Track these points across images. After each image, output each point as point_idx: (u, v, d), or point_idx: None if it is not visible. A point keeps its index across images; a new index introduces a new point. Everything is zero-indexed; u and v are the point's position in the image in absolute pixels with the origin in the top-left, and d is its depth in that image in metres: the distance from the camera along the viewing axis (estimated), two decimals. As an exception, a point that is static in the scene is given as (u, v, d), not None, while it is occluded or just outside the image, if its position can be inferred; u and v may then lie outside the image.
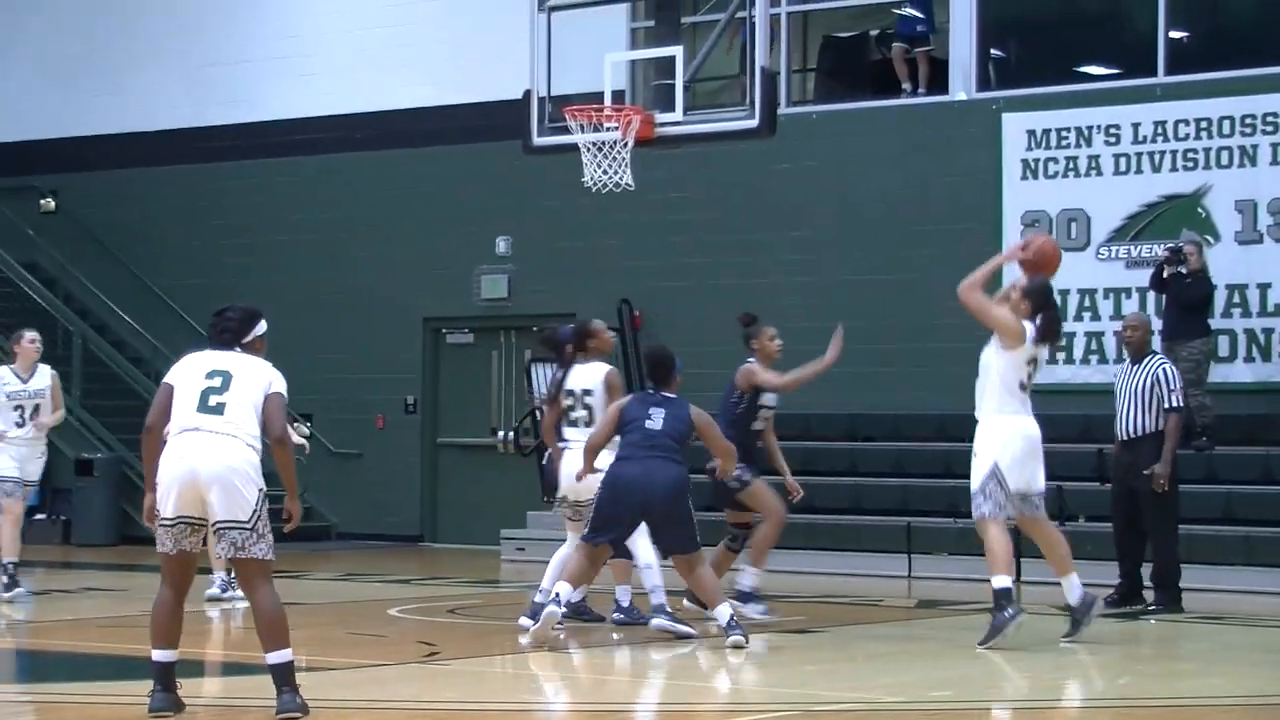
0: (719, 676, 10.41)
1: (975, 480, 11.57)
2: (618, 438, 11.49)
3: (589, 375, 12.25)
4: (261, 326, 9.00)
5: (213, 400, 8.52)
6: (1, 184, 23.72)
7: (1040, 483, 11.74)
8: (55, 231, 23.58)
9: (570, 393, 12.22)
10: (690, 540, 11.35)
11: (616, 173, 14.58)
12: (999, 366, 11.62)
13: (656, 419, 11.43)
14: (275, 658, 8.45)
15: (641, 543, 11.79)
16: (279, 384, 8.69)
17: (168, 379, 8.73)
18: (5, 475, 14.29)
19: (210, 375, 8.59)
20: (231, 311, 8.94)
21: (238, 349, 8.81)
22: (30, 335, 14.93)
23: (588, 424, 12.02)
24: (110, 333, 22.85)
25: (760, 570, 12.62)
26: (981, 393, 11.74)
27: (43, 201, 23.83)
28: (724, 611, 11.26)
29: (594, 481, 11.57)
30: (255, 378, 8.65)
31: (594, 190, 14.84)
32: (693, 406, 11.65)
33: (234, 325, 8.88)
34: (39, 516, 21.53)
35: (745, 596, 12.46)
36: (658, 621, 11.69)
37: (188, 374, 8.66)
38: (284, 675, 8.46)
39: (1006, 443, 11.56)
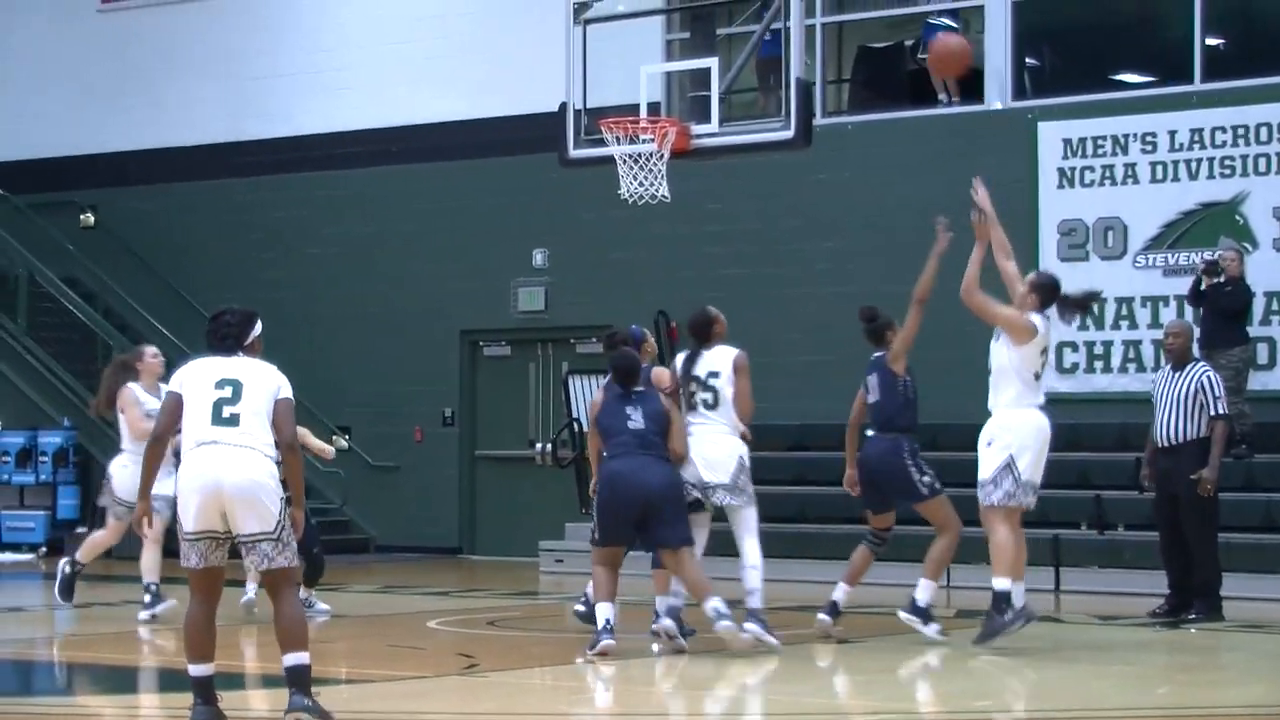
0: (757, 688, 10.40)
1: (987, 469, 11.65)
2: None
3: (717, 359, 12.07)
4: (258, 327, 8.96)
5: (226, 411, 8.46)
6: (42, 199, 23.82)
7: (1040, 476, 11.78)
8: (95, 246, 23.68)
9: (695, 378, 11.98)
10: (683, 536, 11.49)
11: (653, 185, 14.60)
12: (1014, 361, 11.67)
13: (637, 418, 11.64)
14: (292, 659, 8.43)
15: (749, 543, 11.77)
16: (286, 389, 8.63)
17: (173, 387, 8.64)
18: (159, 494, 13.42)
19: (220, 385, 8.52)
20: (229, 315, 8.85)
21: (240, 353, 8.76)
22: (152, 350, 14.58)
23: (710, 406, 11.91)
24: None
25: (935, 585, 12.37)
26: (996, 386, 11.85)
27: (82, 217, 23.94)
28: (712, 604, 11.29)
29: (727, 460, 11.74)
30: (264, 385, 8.59)
31: (630, 202, 14.85)
32: (662, 397, 11.86)
33: (235, 330, 8.80)
34: (79, 530, 21.63)
35: (921, 613, 12.21)
36: (750, 627, 11.59)
37: (196, 383, 8.58)
38: (299, 678, 8.44)
39: (1024, 435, 11.67)
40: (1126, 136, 18.12)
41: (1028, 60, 19.30)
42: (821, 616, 12.31)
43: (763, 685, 10.61)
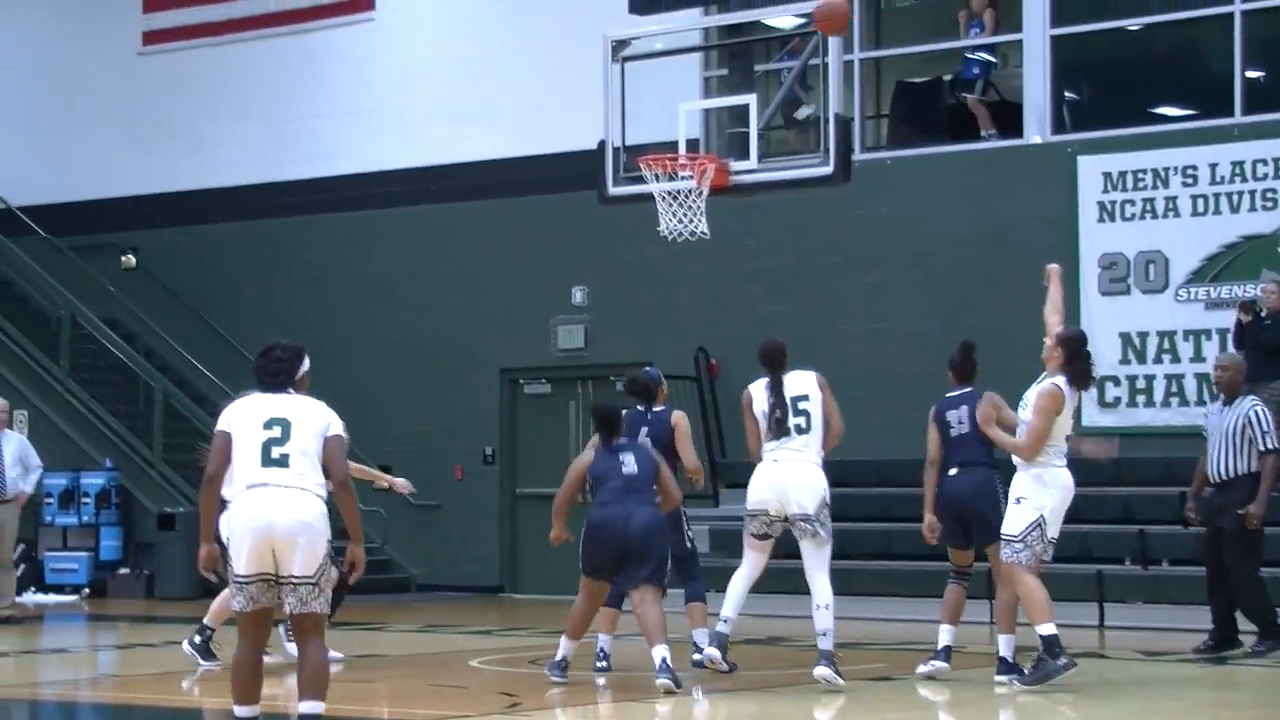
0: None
1: (1015, 526, 11.47)
2: None
3: (800, 383, 12.06)
4: (307, 363, 8.88)
5: (275, 452, 8.33)
6: (83, 241, 23.96)
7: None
8: (135, 287, 23.80)
9: (786, 403, 11.96)
10: (661, 577, 11.74)
11: (692, 221, 14.60)
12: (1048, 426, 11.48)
13: (630, 463, 11.84)
14: (309, 708, 8.37)
15: (821, 580, 11.71)
16: (337, 425, 8.50)
17: (222, 426, 8.49)
18: None
19: (269, 425, 8.39)
20: (280, 350, 8.70)
21: (290, 389, 8.64)
22: None
23: (803, 431, 11.87)
24: (190, 387, 23.01)
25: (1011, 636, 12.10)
26: (1020, 435, 11.68)
27: (123, 258, 24.07)
28: (660, 652, 11.39)
29: (814, 493, 11.77)
30: (313, 423, 8.46)
31: (670, 239, 14.86)
32: (650, 447, 12.14)
33: (286, 365, 8.65)
34: (122, 571, 21.70)
35: (1012, 668, 11.93)
36: (822, 671, 11.51)
37: (244, 423, 8.44)
38: None
39: (1056, 497, 11.51)
40: (1167, 170, 18.08)
41: (1067, 94, 19.28)
42: (938, 664, 12.12)
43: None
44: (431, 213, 22.13)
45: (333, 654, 12.51)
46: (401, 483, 14.48)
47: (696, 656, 12.35)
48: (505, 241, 21.65)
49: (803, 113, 17.36)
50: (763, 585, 13.33)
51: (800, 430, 11.86)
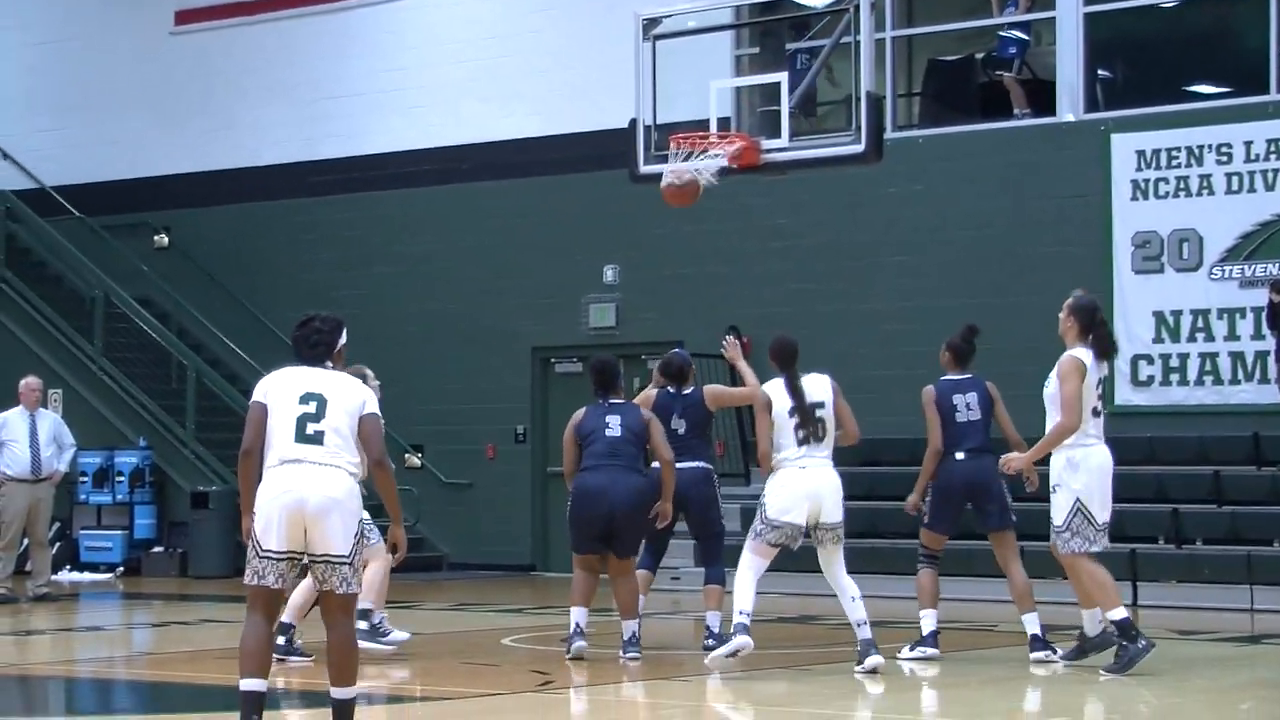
0: (831, 703, 10.33)
1: (1059, 515, 11.29)
2: None
3: (817, 387, 11.75)
4: (344, 335, 8.73)
5: (310, 429, 8.16)
6: (116, 221, 23.99)
7: (1109, 511, 11.41)
8: (168, 267, 23.84)
9: (808, 407, 11.65)
10: (638, 547, 12.00)
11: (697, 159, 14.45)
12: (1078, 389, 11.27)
13: (615, 426, 11.90)
14: (341, 693, 8.24)
15: (845, 576, 11.61)
16: (373, 403, 8.31)
17: (259, 397, 8.30)
18: None
19: (304, 399, 8.21)
20: (319, 321, 8.46)
21: (329, 363, 8.45)
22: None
23: (819, 439, 11.61)
24: (223, 366, 23.05)
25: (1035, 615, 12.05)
26: (1052, 423, 11.40)
27: (156, 237, 24.11)
28: (630, 626, 11.72)
29: (839, 501, 11.62)
30: (349, 400, 8.26)
31: (664, 183, 14.62)
32: (642, 409, 12.15)
33: (326, 336, 8.45)
34: (156, 549, 21.77)
35: (1045, 644, 11.88)
36: (873, 660, 11.44)
37: (280, 396, 8.26)
38: (346, 713, 8.28)
39: (1087, 476, 11.28)
40: (1201, 148, 17.97)
41: (1100, 72, 19.17)
42: (928, 650, 12.08)
43: (846, 700, 10.53)
44: (463, 191, 22.11)
45: (397, 635, 12.37)
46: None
47: (710, 641, 12.30)
48: (537, 220, 21.62)
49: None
50: (794, 565, 13.32)
51: (817, 439, 11.64)
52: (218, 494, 21.14)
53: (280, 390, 8.31)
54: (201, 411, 22.14)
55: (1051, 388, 11.41)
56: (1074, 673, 11.44)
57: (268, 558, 8.16)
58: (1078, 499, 11.23)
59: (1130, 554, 16.72)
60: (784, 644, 13.29)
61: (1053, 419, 11.38)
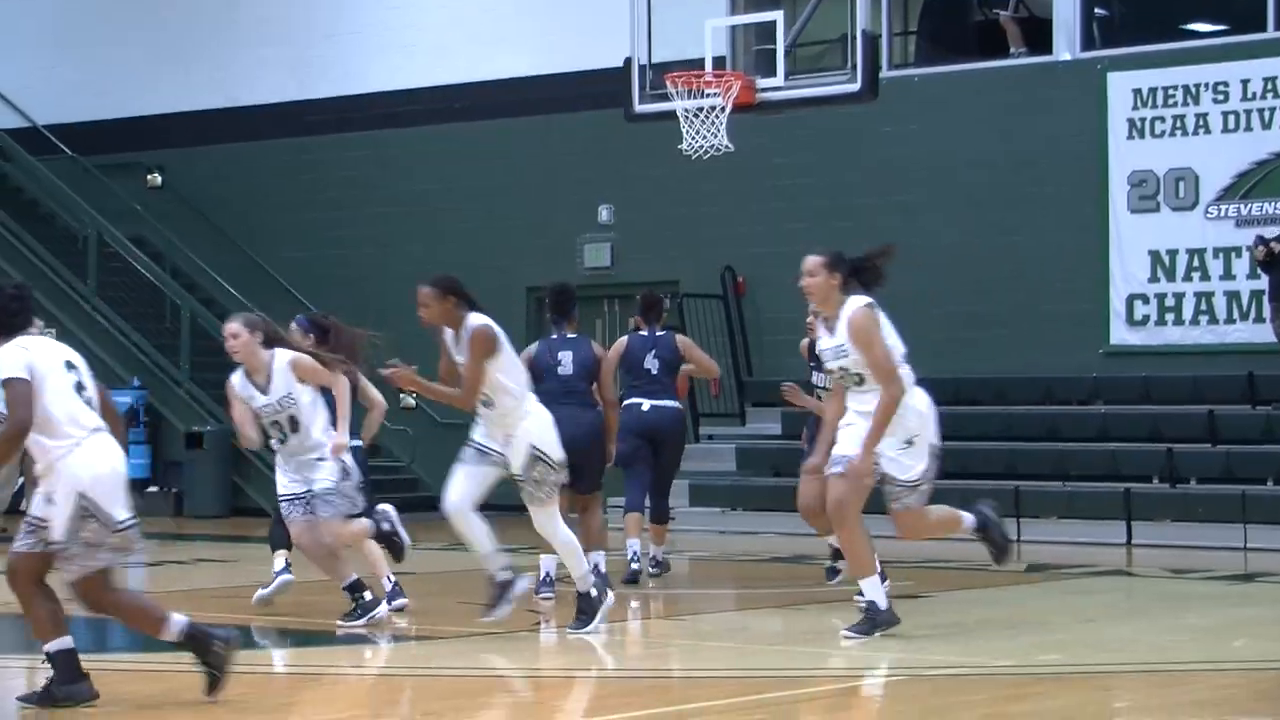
0: (826, 642, 10.37)
1: (917, 470, 9.96)
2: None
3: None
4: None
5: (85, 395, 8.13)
6: (109, 160, 23.94)
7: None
8: (162, 207, 23.79)
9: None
10: (597, 483, 12.10)
11: (715, 136, 14.52)
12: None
13: (567, 363, 12.02)
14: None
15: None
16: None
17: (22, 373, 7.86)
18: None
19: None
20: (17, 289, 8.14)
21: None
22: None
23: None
24: (217, 307, 22.99)
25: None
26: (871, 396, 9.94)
27: (149, 177, 24.07)
28: (595, 558, 11.62)
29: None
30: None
31: (693, 157, 14.79)
32: (594, 343, 12.34)
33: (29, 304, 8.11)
34: (151, 489, 21.78)
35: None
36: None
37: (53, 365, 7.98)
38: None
39: (923, 419, 10.03)
40: (1198, 86, 17.93)
41: (1097, 10, 19.11)
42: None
43: (841, 638, 10.57)
44: (457, 131, 22.05)
45: (400, 602, 11.82)
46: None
47: (653, 569, 12.95)
48: (531, 160, 21.58)
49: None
50: (789, 505, 13.35)
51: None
52: (212, 434, 21.15)
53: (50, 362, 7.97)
54: (196, 351, 22.12)
55: (850, 356, 9.89)
56: (1063, 613, 11.47)
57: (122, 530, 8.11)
58: (929, 444, 9.99)
59: (1125, 493, 16.77)
60: (779, 583, 13.35)
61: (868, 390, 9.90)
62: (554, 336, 12.25)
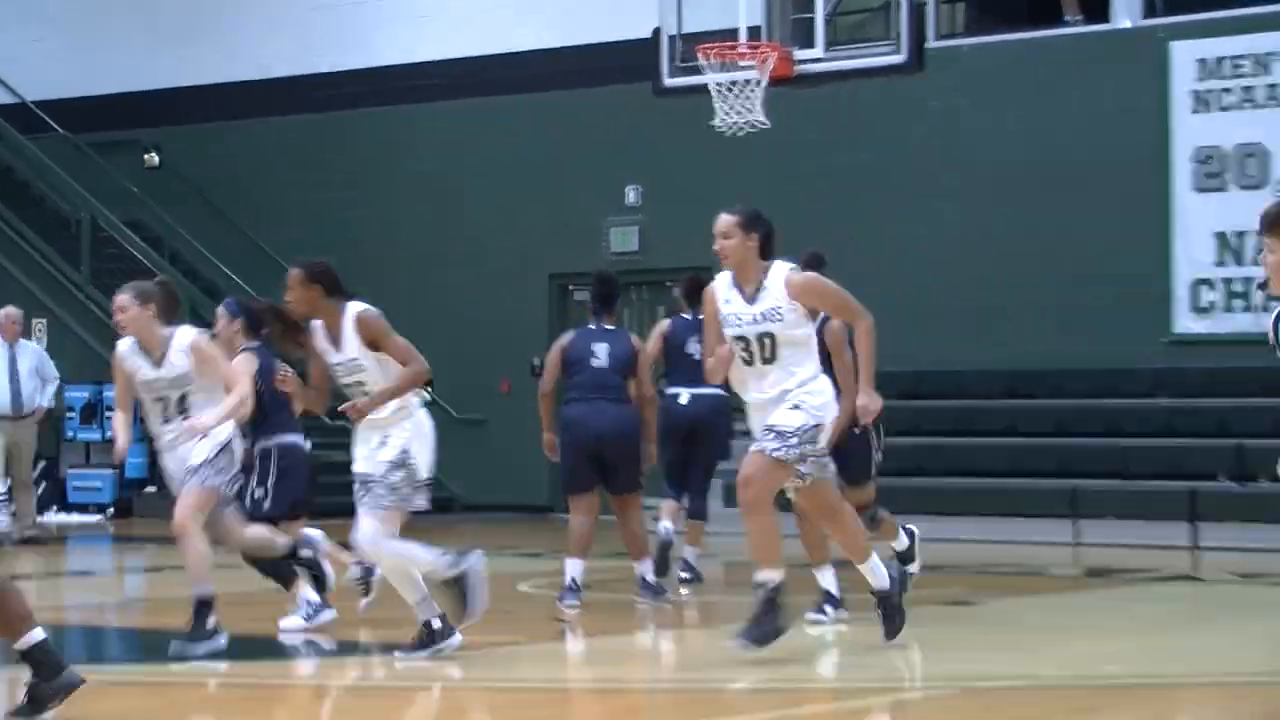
0: (876, 652, 10.39)
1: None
2: None
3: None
4: None
5: None
6: (103, 138, 24.00)
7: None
8: (159, 187, 23.86)
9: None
10: (637, 481, 11.98)
11: (749, 111, 14.54)
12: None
13: (602, 355, 11.94)
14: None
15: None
16: None
17: None
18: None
19: None
20: None
21: None
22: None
23: None
24: (220, 295, 23.02)
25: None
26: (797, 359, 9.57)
27: (146, 156, 24.14)
28: (643, 569, 11.88)
29: None
30: None
31: (726, 134, 14.80)
32: (633, 336, 12.29)
33: None
34: (149, 489, 21.85)
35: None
36: None
37: None
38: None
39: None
40: (1268, 55, 17.90)
41: (1159, -25, 19.09)
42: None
43: (890, 649, 10.60)
44: (474, 107, 22.08)
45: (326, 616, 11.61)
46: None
47: (685, 574, 13.03)
48: (554, 138, 21.59)
49: None
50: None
51: None
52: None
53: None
54: (196, 343, 22.13)
55: (800, 325, 9.49)
56: (1125, 620, 11.46)
57: None
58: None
59: (1190, 493, 16.75)
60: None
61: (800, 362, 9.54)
62: (591, 327, 12.22)
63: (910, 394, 18.25)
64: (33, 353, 18.13)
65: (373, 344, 9.66)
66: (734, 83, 14.59)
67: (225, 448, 10.15)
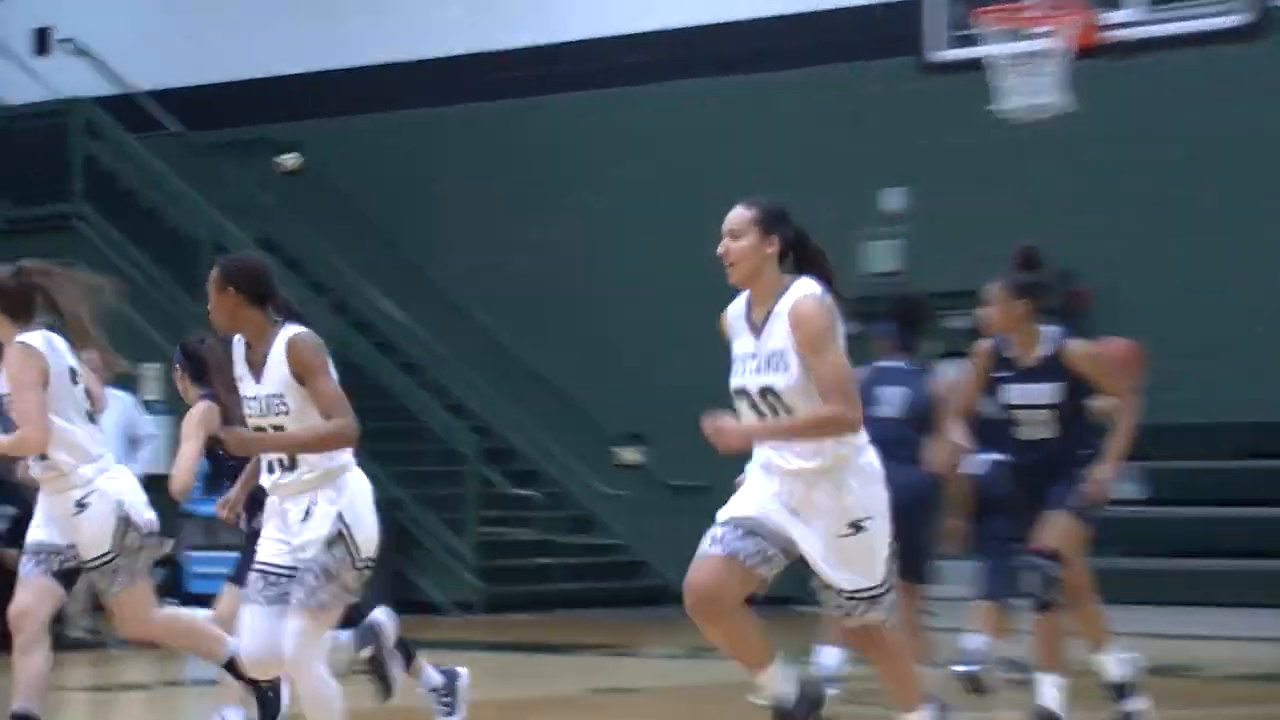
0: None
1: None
2: None
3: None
4: None
5: None
6: (228, 136, 24.33)
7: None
8: (298, 197, 24.13)
9: None
10: (920, 568, 11.69)
11: (1045, 92, 14.49)
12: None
13: (890, 401, 11.82)
14: None
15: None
16: None
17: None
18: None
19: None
20: None
21: None
22: None
23: None
24: (374, 332, 23.25)
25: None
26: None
27: (280, 159, 24.40)
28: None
29: None
30: None
31: (1014, 122, 14.74)
32: (937, 376, 11.99)
33: None
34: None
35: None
36: None
37: None
38: None
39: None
40: None
41: None
42: None
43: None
44: (684, 91, 22.17)
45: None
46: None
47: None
48: (788, 128, 21.60)
49: None
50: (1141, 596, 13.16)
51: None
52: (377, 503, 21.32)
53: None
54: (348, 393, 22.29)
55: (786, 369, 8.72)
56: None
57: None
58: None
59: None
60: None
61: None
62: (883, 364, 12.05)
63: (1255, 453, 18.01)
64: (122, 405, 18.03)
65: (300, 378, 9.16)
66: (1024, 55, 14.50)
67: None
